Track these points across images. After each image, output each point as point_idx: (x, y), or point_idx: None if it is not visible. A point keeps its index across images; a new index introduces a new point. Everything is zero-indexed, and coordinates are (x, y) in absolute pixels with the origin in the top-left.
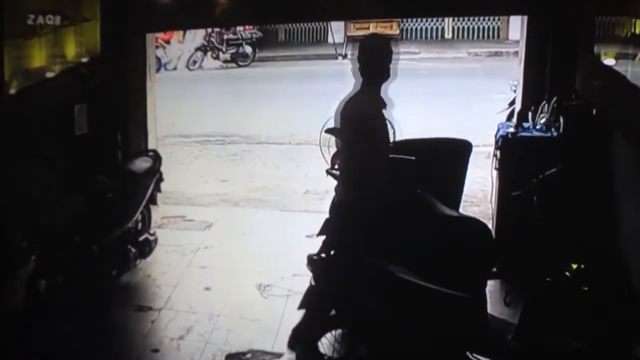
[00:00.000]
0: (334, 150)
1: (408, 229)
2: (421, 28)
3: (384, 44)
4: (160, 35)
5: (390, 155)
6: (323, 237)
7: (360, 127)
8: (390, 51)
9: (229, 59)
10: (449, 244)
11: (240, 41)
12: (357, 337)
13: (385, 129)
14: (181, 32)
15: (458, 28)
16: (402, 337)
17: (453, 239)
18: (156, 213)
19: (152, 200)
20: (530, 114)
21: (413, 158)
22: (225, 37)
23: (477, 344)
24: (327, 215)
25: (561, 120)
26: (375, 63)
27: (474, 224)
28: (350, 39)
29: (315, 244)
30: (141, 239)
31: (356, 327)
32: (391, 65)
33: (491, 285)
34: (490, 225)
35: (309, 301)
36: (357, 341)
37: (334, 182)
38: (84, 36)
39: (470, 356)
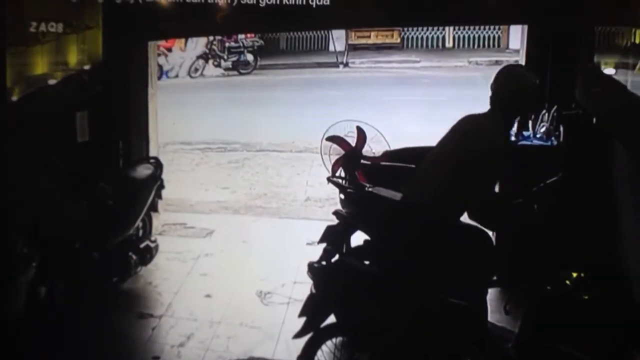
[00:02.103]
0: (335, 157)
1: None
2: (422, 37)
3: (521, 80)
4: (162, 43)
5: (389, 164)
6: (324, 245)
7: (486, 156)
8: (527, 90)
9: (231, 66)
10: (450, 251)
11: (241, 49)
12: (357, 345)
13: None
14: (183, 40)
15: (459, 37)
16: (402, 344)
17: (454, 247)
18: (157, 220)
19: (153, 207)
20: (530, 122)
21: (413, 166)
22: (226, 45)
23: (477, 351)
24: (328, 223)
25: (561, 129)
26: (504, 99)
27: (475, 232)
28: (351, 47)
29: (316, 252)
30: (142, 246)
31: (356, 334)
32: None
33: (491, 294)
34: (490, 234)
35: (310, 309)
36: (357, 349)
37: (335, 190)
38: (86, 44)
39: None
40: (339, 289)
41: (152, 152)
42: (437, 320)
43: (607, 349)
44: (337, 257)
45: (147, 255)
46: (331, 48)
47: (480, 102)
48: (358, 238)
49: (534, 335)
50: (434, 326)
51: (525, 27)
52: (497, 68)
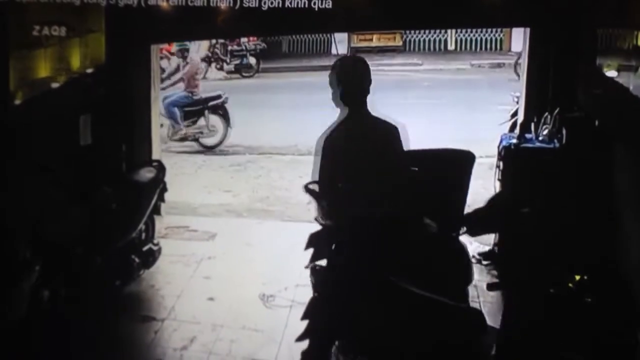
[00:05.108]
0: None
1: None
2: (424, 39)
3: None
4: (165, 46)
5: None
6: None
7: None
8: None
9: (233, 70)
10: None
11: (244, 52)
12: (359, 348)
13: None
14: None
15: (461, 40)
16: (403, 347)
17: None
18: (160, 223)
19: (156, 211)
20: (532, 125)
21: (416, 169)
22: (229, 48)
23: (477, 355)
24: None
25: (564, 131)
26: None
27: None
28: (353, 50)
29: None
30: (145, 249)
31: (356, 337)
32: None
33: (492, 296)
34: (492, 236)
35: (312, 312)
36: (358, 352)
37: None
38: (89, 47)
39: None
40: (341, 292)
41: (155, 155)
42: (438, 323)
43: (609, 353)
44: None
45: (150, 258)
46: (333, 51)
47: (481, 104)
48: None
49: (535, 339)
50: (435, 329)
51: (528, 29)
52: (499, 70)
